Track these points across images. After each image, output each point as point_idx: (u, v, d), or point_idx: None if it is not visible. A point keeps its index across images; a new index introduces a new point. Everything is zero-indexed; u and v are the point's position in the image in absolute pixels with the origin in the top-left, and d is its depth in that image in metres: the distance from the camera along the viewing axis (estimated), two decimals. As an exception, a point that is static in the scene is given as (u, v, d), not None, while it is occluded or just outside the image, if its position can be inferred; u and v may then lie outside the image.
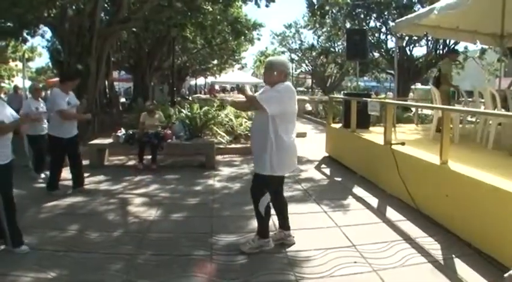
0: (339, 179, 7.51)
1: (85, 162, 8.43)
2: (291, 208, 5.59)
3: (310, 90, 48.35)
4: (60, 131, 6.33)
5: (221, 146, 9.27)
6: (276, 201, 4.58)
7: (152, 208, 5.78)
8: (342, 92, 23.41)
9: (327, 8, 20.22)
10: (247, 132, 10.33)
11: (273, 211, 4.98)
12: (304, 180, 7.35)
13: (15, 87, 17.52)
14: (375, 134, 7.85)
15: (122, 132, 8.63)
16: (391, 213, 5.44)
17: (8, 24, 15.88)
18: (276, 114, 4.11)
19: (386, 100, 8.91)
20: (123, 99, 26.67)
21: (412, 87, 23.76)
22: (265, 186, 4.40)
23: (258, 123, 4.36)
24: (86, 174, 7.70)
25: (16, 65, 37.38)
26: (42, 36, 20.35)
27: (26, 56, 32.74)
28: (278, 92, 4.18)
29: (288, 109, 4.21)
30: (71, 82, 6.51)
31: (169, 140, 8.45)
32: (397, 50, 13.85)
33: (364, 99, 8.41)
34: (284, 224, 4.66)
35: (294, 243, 4.53)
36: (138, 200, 6.24)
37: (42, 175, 7.53)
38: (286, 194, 6.22)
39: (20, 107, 13.97)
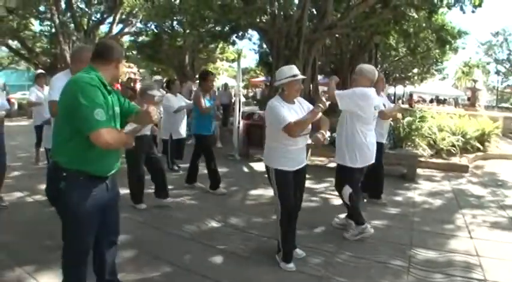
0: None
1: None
2: (492, 234, 5.37)
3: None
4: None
5: (422, 159, 9.12)
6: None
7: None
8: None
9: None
10: (450, 147, 9.98)
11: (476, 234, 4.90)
12: (509, 207, 6.79)
13: (226, 85, 19.52)
14: None
15: (327, 134, 8.97)
16: None
17: (217, 28, 17.72)
18: (345, 110, 4.79)
19: None
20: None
21: None
22: (343, 177, 4.98)
23: (339, 120, 5.04)
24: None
25: (222, 65, 41.10)
26: (250, 39, 22.19)
27: (232, 56, 35.79)
28: (353, 92, 4.73)
29: (358, 110, 4.71)
30: None
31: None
32: None
33: None
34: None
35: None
36: (339, 201, 6.57)
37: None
38: (489, 218, 6.01)
39: (228, 102, 15.53)
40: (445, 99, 45.54)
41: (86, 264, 3.03)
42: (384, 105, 6.26)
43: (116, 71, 3.00)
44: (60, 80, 4.13)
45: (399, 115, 6.97)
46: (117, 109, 2.98)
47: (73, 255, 2.98)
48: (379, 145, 6.35)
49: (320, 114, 4.12)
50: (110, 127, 2.74)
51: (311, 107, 4.23)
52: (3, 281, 3.71)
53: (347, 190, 4.89)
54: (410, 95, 34.82)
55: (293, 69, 4.17)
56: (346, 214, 5.34)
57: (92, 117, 2.61)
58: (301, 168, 4.24)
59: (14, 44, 24.55)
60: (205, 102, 6.89)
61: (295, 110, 4.13)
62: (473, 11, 15.22)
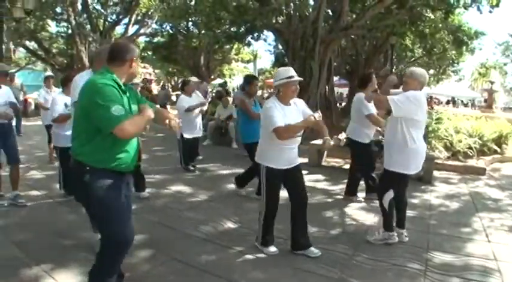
0: None
1: (303, 160, 9.11)
2: (511, 239, 5.26)
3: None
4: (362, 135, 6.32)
5: (438, 161, 9.01)
6: (398, 199, 4.86)
7: (370, 213, 6.00)
8: None
9: None
10: (467, 149, 9.86)
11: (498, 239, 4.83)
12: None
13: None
14: None
15: (343, 135, 8.93)
16: None
17: (232, 29, 17.77)
18: (399, 116, 4.49)
19: None
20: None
21: None
22: (389, 183, 4.76)
23: (390, 124, 4.80)
24: (304, 172, 8.37)
25: (237, 66, 41.24)
26: (265, 40, 22.24)
27: (247, 57, 35.85)
28: (407, 97, 4.45)
29: (413, 116, 4.50)
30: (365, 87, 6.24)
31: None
32: None
33: None
34: (400, 222, 4.99)
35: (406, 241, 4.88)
36: (355, 203, 6.55)
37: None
38: (507, 222, 5.91)
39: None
40: (455, 101, 44.84)
41: (123, 256, 3.19)
42: None
43: (131, 70, 3.14)
44: (84, 79, 4.18)
45: None
46: (134, 107, 3.09)
47: (114, 246, 3.05)
48: (366, 145, 6.34)
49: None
50: (128, 118, 2.85)
51: (306, 108, 4.50)
52: (22, 279, 3.75)
53: (389, 195, 4.78)
54: (430, 98, 34.38)
55: (289, 71, 4.32)
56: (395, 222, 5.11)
57: (111, 114, 2.73)
58: (294, 166, 4.45)
59: (31, 44, 24.90)
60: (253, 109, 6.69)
61: (291, 111, 4.29)
62: (490, 11, 15.03)
